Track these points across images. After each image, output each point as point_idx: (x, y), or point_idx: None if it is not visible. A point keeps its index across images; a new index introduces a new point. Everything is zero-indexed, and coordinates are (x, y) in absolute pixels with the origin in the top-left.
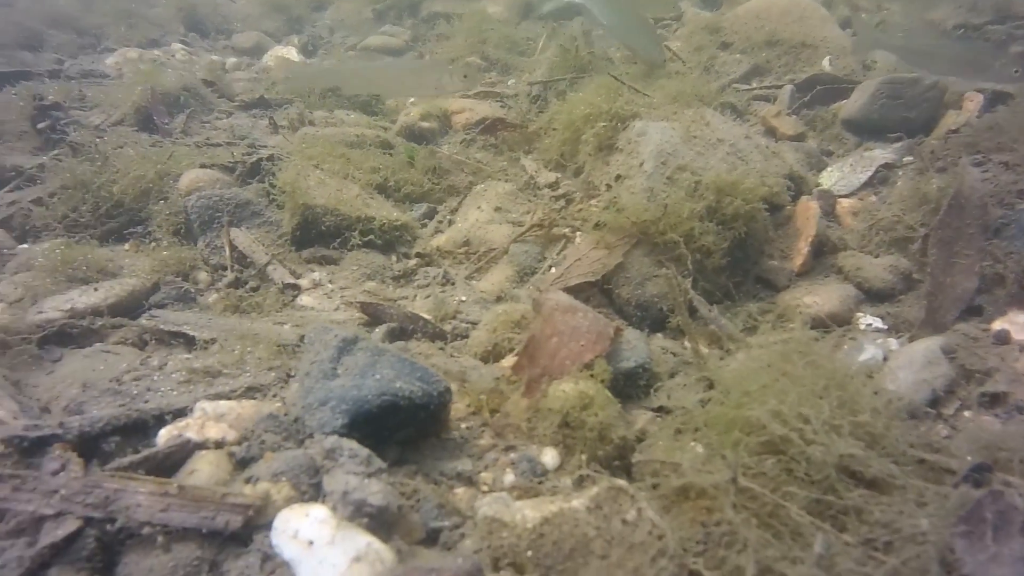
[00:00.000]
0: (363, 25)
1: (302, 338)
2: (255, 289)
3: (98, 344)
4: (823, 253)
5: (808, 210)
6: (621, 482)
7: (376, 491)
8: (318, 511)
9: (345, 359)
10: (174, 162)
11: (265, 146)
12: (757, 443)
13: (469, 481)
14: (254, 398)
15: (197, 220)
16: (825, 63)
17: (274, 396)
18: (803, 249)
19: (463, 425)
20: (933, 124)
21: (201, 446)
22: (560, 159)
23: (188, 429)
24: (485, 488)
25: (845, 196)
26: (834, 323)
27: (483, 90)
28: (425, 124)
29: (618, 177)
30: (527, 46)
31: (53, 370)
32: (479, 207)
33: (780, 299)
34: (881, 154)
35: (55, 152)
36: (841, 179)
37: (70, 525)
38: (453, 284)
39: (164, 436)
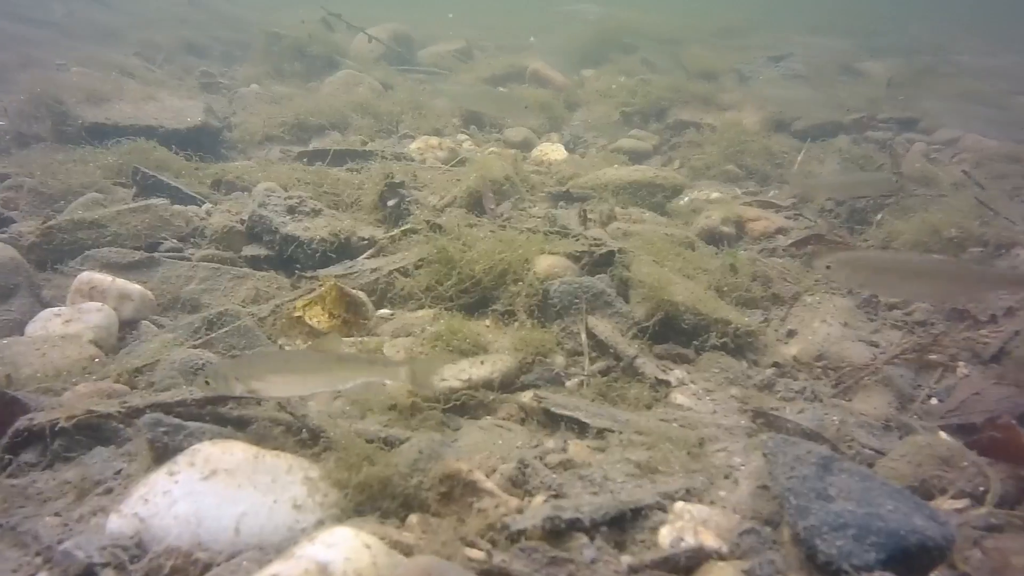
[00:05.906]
0: (610, 128)
1: (701, 441)
2: (616, 380)
3: (487, 417)
4: None
5: None
6: None
7: None
8: None
9: (829, 478)
10: (525, 247)
11: (606, 241)
12: None
13: None
14: (700, 502)
15: (558, 304)
16: None
17: (712, 503)
18: None
19: None
20: None
21: (707, 555)
22: None
23: (684, 532)
24: None
25: None
26: None
27: (759, 200)
28: (724, 229)
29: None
30: (783, 158)
31: (456, 439)
32: (824, 320)
33: None
34: None
35: (406, 226)
36: None
37: None
38: (821, 401)
39: (666, 536)
